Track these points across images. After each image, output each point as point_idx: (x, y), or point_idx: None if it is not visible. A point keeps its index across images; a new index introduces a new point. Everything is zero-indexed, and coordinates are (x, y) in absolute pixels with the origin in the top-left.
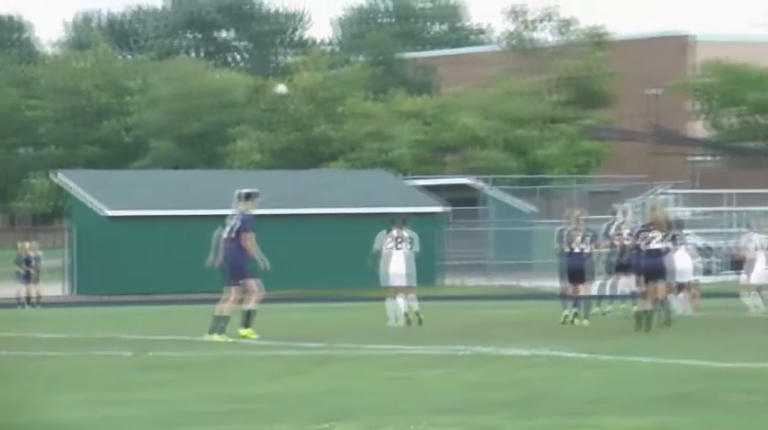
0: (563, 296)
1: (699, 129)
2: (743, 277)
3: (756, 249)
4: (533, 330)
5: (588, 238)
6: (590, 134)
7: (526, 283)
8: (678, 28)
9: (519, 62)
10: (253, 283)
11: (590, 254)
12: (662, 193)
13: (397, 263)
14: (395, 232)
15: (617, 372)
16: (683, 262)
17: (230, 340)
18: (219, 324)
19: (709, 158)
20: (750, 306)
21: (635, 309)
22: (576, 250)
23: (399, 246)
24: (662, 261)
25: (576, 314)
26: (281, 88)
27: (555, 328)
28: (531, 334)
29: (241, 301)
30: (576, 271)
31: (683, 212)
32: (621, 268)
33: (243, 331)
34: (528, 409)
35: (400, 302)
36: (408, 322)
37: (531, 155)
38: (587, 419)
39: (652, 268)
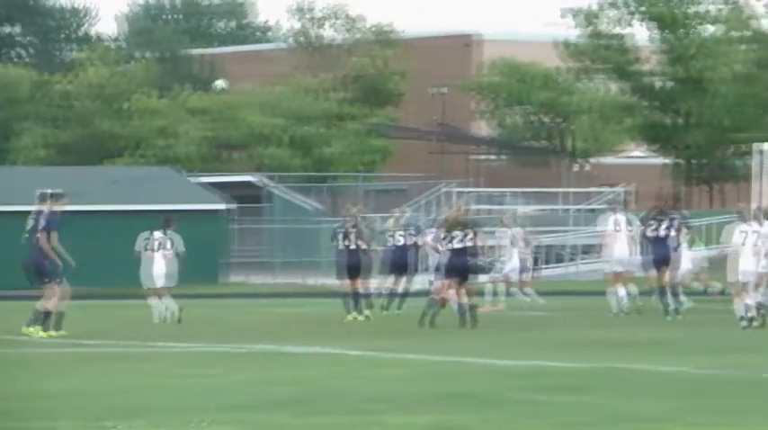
0: (345, 295)
1: (483, 127)
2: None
3: (512, 245)
4: (317, 328)
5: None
6: (377, 132)
7: (312, 281)
8: (465, 27)
9: (306, 59)
10: (61, 283)
11: (366, 250)
12: (458, 191)
13: (158, 264)
14: (156, 233)
15: (400, 371)
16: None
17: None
18: (38, 317)
19: (492, 157)
20: (528, 300)
21: (432, 297)
22: (353, 247)
23: (158, 248)
24: (466, 260)
25: (357, 310)
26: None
27: (339, 327)
28: (315, 332)
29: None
30: (353, 267)
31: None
32: (395, 268)
33: (29, 328)
34: (310, 407)
35: (164, 303)
36: (179, 320)
37: (317, 152)
38: (370, 417)
39: (455, 267)
